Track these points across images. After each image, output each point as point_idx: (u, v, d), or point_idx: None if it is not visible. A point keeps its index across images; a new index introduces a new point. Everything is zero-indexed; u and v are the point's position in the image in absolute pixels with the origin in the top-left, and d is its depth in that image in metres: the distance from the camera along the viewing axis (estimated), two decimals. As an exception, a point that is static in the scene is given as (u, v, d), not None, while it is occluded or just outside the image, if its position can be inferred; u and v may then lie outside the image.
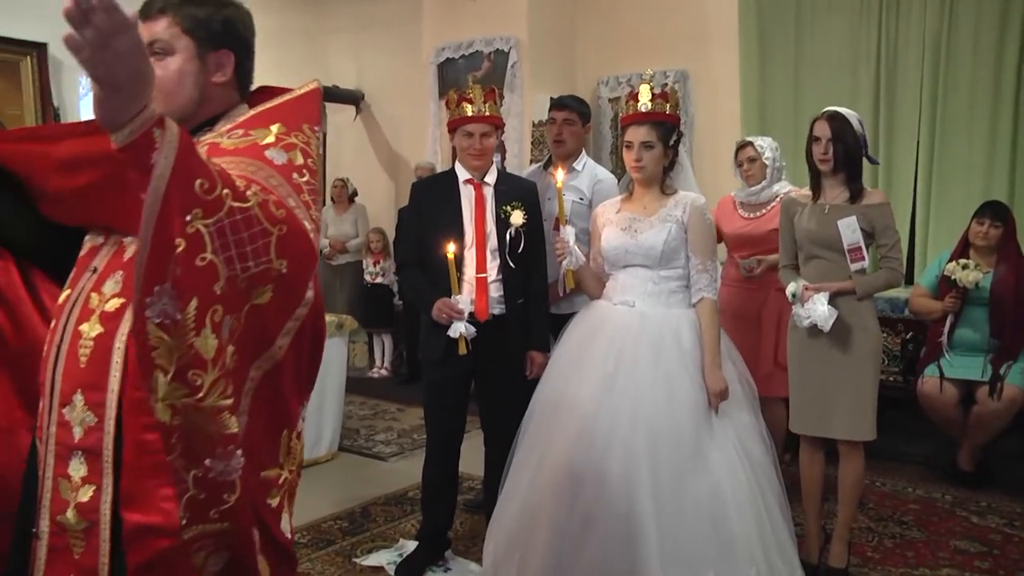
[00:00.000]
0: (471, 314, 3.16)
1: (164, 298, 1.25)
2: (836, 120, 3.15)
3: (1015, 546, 3.64)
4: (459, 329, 3.11)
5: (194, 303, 1.28)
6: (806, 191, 3.31)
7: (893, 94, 5.45)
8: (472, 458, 3.44)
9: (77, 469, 1.49)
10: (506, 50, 6.33)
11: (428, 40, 6.76)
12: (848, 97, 5.31)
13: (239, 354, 1.37)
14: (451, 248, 3.07)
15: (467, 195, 3.27)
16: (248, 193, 1.34)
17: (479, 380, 3.33)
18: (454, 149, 6.55)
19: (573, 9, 6.73)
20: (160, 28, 1.56)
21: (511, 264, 3.22)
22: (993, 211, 4.34)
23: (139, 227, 1.27)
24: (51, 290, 1.75)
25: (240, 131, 1.57)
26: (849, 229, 3.09)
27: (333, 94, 7.62)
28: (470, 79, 6.38)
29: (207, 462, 1.35)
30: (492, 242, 3.23)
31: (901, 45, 5.41)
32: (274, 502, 1.54)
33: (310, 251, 1.47)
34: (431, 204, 3.34)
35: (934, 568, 3.42)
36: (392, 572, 3.30)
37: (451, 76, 6.64)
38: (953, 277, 4.19)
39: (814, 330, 3.14)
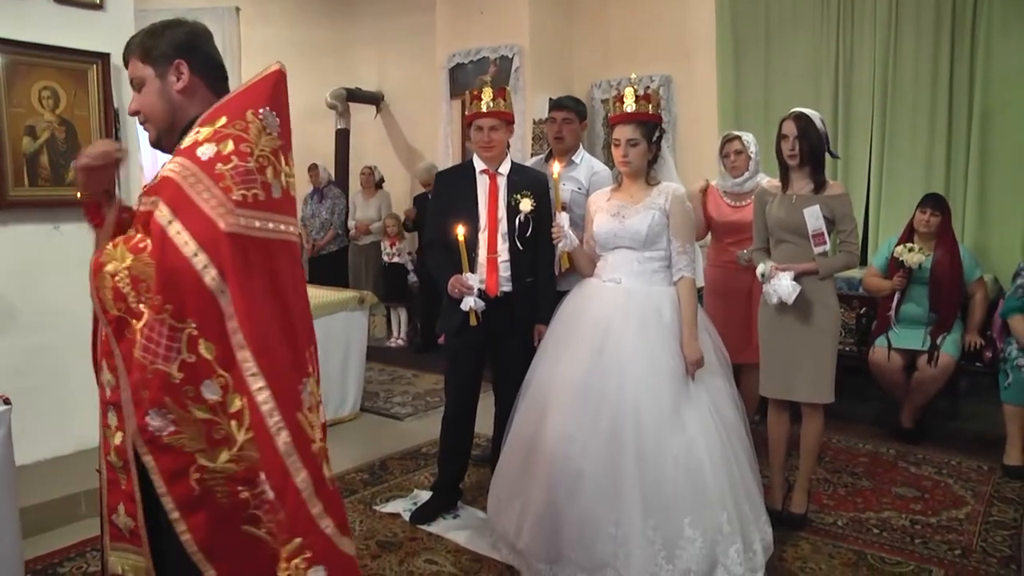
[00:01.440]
0: (482, 290, 3.13)
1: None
2: (802, 120, 3.09)
3: (941, 489, 3.65)
4: (469, 303, 3.06)
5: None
6: (778, 182, 3.26)
7: (849, 99, 5.37)
8: (481, 418, 3.40)
9: (112, 420, 1.55)
10: (510, 56, 6.24)
11: (441, 48, 6.67)
12: (811, 100, 5.23)
13: None
14: (461, 231, 3.01)
15: (483, 184, 3.20)
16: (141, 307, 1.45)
17: (491, 349, 3.27)
18: (463, 144, 6.58)
19: (570, 21, 6.63)
20: (133, 69, 1.66)
21: (519, 246, 3.16)
22: (934, 202, 4.28)
23: None
24: None
25: (200, 128, 1.54)
26: (813, 217, 3.04)
27: (356, 95, 7.56)
28: (479, 82, 6.38)
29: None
30: (503, 226, 3.16)
31: (855, 57, 5.33)
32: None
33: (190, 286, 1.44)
34: (451, 191, 3.27)
35: (878, 511, 3.39)
36: (407, 518, 3.26)
37: (461, 80, 6.56)
38: (901, 259, 4.14)
39: (782, 305, 3.10)
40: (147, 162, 6.82)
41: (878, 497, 3.54)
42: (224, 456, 1.42)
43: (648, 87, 5.27)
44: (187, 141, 1.50)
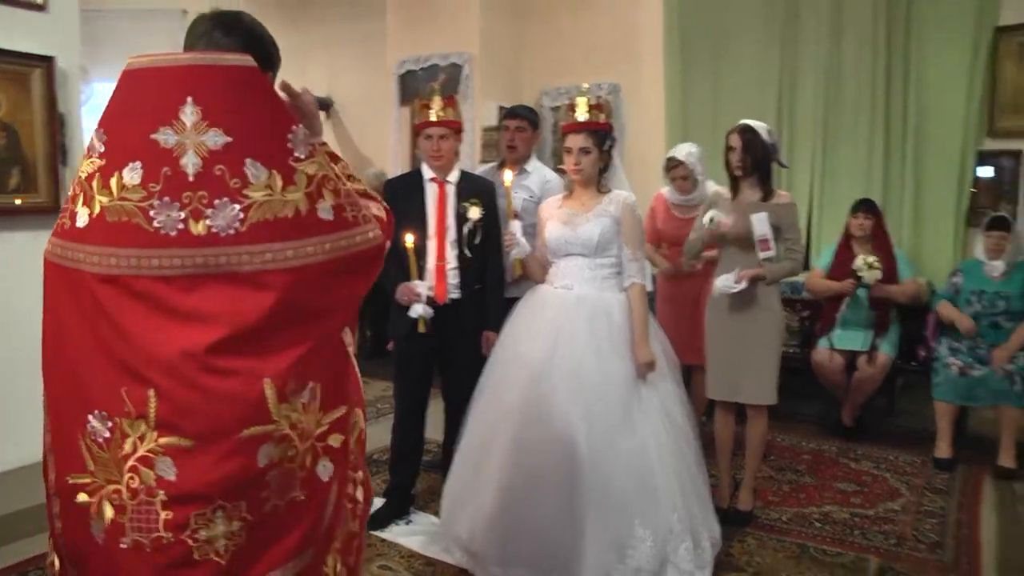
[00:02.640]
0: (431, 297, 3.16)
1: None
2: (747, 133, 3.20)
3: (879, 483, 3.81)
4: (418, 310, 3.10)
5: None
6: (728, 190, 3.36)
7: (793, 109, 5.53)
8: (431, 424, 3.43)
9: None
10: (460, 64, 6.26)
11: (392, 54, 6.66)
12: (757, 110, 5.36)
13: None
14: (409, 238, 3.05)
15: (431, 192, 3.24)
16: None
17: (440, 356, 3.31)
18: (413, 151, 6.59)
19: (519, 29, 6.68)
20: None
21: (468, 254, 3.21)
22: (865, 206, 4.46)
23: None
24: None
25: None
26: (760, 223, 3.14)
27: (306, 100, 7.51)
28: (428, 89, 6.40)
29: None
30: (452, 234, 3.20)
31: (799, 70, 5.49)
32: None
33: None
34: (400, 199, 3.29)
35: (820, 505, 3.53)
36: (362, 524, 3.29)
37: (411, 86, 6.55)
38: (860, 274, 4.25)
39: (728, 309, 3.20)
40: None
41: (820, 492, 3.68)
42: None
43: (599, 96, 5.33)
44: None
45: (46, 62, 3.46)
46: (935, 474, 3.91)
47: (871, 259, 4.25)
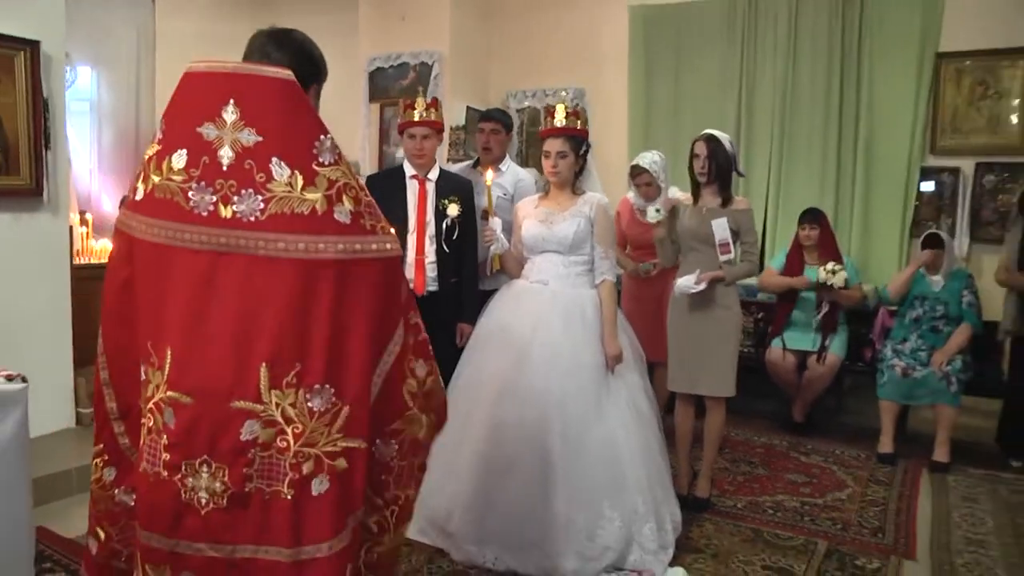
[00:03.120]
0: (410, 289, 3.30)
1: None
2: (712, 142, 3.42)
3: (827, 475, 4.09)
4: None
5: None
6: (689, 196, 3.58)
7: (751, 119, 5.82)
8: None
9: None
10: (430, 63, 6.41)
11: (363, 51, 6.76)
12: (717, 120, 5.63)
13: None
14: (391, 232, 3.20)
15: (412, 189, 3.40)
16: None
17: None
18: (381, 147, 6.71)
19: (488, 30, 6.86)
20: None
21: (446, 248, 3.37)
22: (810, 217, 4.75)
23: None
24: None
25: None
26: (720, 228, 3.37)
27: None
28: (399, 87, 6.53)
29: None
30: (431, 229, 3.37)
31: (757, 82, 5.79)
32: None
33: None
34: (382, 194, 3.43)
35: (772, 495, 3.79)
36: (339, 507, 3.41)
37: (381, 83, 6.68)
38: (829, 282, 4.49)
39: (689, 307, 3.42)
40: (90, 154, 6.64)
41: (772, 483, 3.93)
42: None
43: (576, 104, 5.55)
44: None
45: (31, 46, 3.50)
46: (878, 467, 4.20)
47: (831, 265, 4.52)
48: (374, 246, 1.62)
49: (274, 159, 1.55)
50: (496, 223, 3.20)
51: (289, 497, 1.54)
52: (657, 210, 3.41)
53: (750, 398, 4.91)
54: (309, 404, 1.55)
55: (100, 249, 4.85)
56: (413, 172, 3.42)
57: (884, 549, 3.22)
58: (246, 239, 1.55)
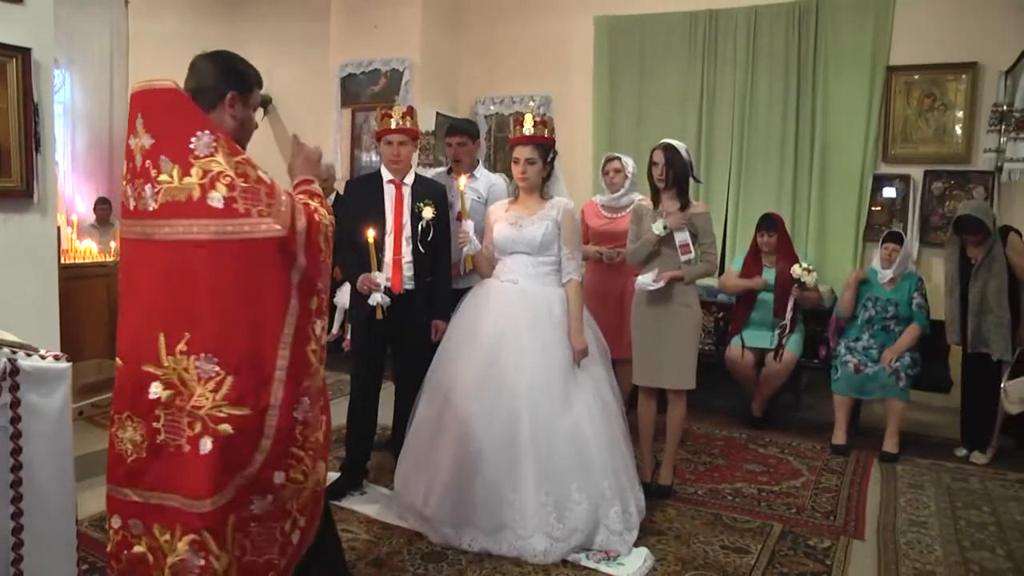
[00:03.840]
0: (388, 287, 3.53)
1: None
2: (669, 150, 3.69)
3: (783, 465, 4.39)
4: (376, 299, 3.44)
5: None
6: (650, 201, 3.85)
7: (712, 128, 6.15)
8: (380, 410, 3.80)
9: None
10: (401, 69, 6.64)
11: (334, 57, 6.98)
12: (679, 128, 5.97)
13: None
14: (371, 233, 3.37)
15: (389, 193, 3.61)
16: None
17: (393, 341, 3.67)
18: (353, 151, 6.91)
19: (457, 38, 7.11)
20: None
21: (421, 249, 3.59)
22: (767, 224, 5.05)
23: None
24: None
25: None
26: (680, 234, 3.65)
27: (243, 97, 7.69)
28: (369, 93, 6.73)
29: None
30: (407, 231, 3.58)
31: (717, 93, 6.13)
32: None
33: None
34: (361, 198, 3.66)
35: (731, 483, 4.07)
36: (319, 496, 3.62)
37: (352, 89, 6.90)
38: (802, 280, 4.75)
39: (651, 304, 3.68)
40: (63, 155, 6.71)
41: (732, 472, 4.22)
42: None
43: (543, 113, 5.80)
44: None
45: (22, 53, 3.63)
46: (832, 458, 4.52)
47: (805, 264, 4.81)
48: (246, 227, 1.89)
49: (162, 156, 1.88)
50: (469, 225, 3.43)
51: (187, 450, 1.85)
52: (665, 227, 3.65)
53: (711, 394, 5.22)
54: (198, 371, 1.85)
55: (84, 249, 5.01)
56: (390, 177, 3.64)
57: (835, 530, 3.51)
58: (149, 226, 1.91)
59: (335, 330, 6.85)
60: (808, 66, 5.82)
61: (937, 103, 5.57)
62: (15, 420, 1.48)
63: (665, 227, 3.64)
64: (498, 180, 4.23)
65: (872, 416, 5.03)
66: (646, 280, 3.65)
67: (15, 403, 1.48)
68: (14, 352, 1.50)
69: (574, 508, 3.10)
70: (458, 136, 4.14)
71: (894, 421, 4.56)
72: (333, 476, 3.75)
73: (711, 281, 5.33)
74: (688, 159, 3.72)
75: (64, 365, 1.57)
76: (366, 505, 3.54)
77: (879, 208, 5.77)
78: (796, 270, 4.78)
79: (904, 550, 3.31)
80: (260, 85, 2.18)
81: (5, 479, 1.49)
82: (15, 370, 1.48)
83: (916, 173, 5.64)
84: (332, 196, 6.56)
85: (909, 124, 5.64)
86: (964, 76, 5.45)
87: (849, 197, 5.77)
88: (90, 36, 6.95)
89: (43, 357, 1.54)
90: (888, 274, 4.76)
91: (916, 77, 5.60)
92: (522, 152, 3.37)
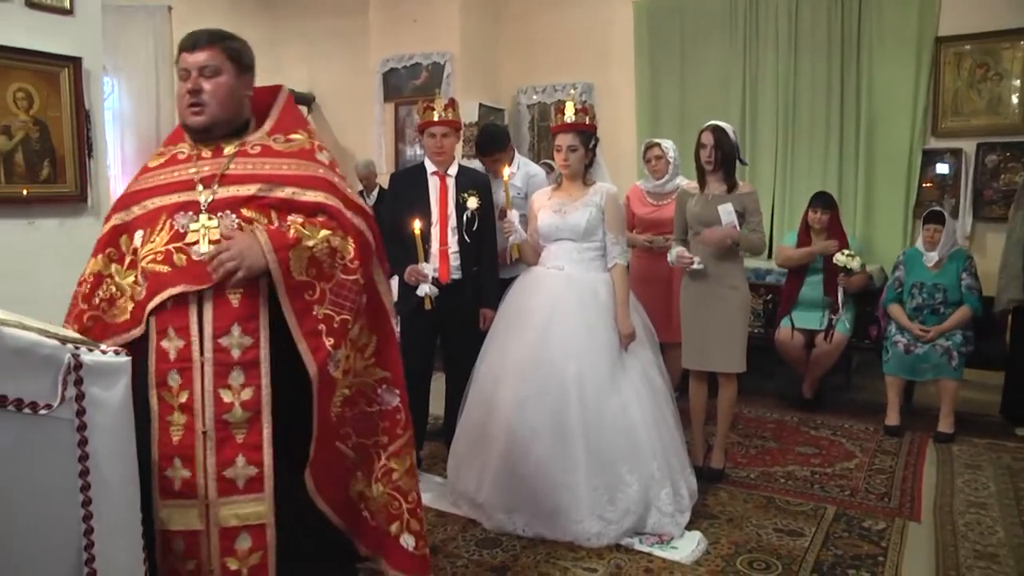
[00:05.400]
0: (436, 278, 3.55)
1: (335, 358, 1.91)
2: (718, 131, 3.64)
3: (836, 447, 4.31)
4: (424, 289, 3.46)
5: (343, 348, 1.92)
6: (696, 184, 3.81)
7: (756, 109, 6.06)
8: (431, 399, 3.83)
9: (237, 378, 1.84)
10: (442, 63, 6.66)
11: (375, 52, 7.02)
12: (722, 112, 5.87)
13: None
14: (417, 225, 3.37)
15: (434, 184, 3.63)
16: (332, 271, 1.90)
17: (442, 331, 3.69)
18: (396, 145, 6.96)
19: (497, 29, 7.10)
20: (207, 56, 1.97)
21: (467, 239, 3.61)
22: (822, 201, 4.92)
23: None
24: None
25: (280, 136, 1.98)
26: (726, 212, 3.59)
27: (286, 95, 7.80)
28: (411, 87, 6.76)
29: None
30: (452, 221, 3.60)
31: (760, 73, 6.02)
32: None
33: (370, 251, 2.00)
34: (406, 191, 3.68)
35: (784, 465, 4.01)
36: (373, 485, 3.66)
37: (394, 84, 6.94)
38: (848, 267, 4.63)
39: (700, 287, 3.65)
40: (113, 160, 6.91)
41: (783, 455, 4.16)
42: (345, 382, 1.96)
43: (584, 100, 5.79)
44: (294, 145, 1.97)
45: (74, 62, 3.75)
46: (885, 439, 4.43)
47: (847, 252, 4.70)
48: None
49: None
50: (514, 215, 3.43)
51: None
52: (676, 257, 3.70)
53: (761, 377, 5.16)
54: None
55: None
56: (434, 169, 3.66)
57: (890, 512, 3.44)
58: None
59: None
60: (852, 42, 5.67)
61: (991, 73, 5.38)
62: (80, 413, 1.51)
63: (672, 260, 3.72)
64: (537, 171, 4.22)
65: (925, 396, 4.92)
66: (683, 257, 3.62)
67: (80, 396, 1.51)
68: (77, 347, 1.54)
69: (625, 490, 3.09)
70: (491, 155, 4.12)
71: (947, 401, 4.45)
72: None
73: (759, 263, 5.26)
74: (735, 141, 3.68)
75: (124, 359, 1.60)
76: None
77: (930, 184, 5.63)
78: (839, 258, 4.68)
79: (963, 531, 3.22)
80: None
81: (73, 469, 1.52)
82: (78, 364, 1.51)
83: (968, 147, 5.47)
84: (375, 191, 6.64)
85: (960, 96, 5.47)
86: (1021, 43, 5.26)
87: (897, 174, 5.63)
88: (135, 43, 7.08)
89: (104, 352, 1.58)
90: (934, 256, 4.62)
91: (967, 47, 5.42)
92: (564, 140, 3.35)
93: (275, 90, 2.12)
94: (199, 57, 1.94)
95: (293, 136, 1.97)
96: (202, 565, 1.84)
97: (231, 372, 1.83)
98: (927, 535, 3.23)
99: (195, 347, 1.84)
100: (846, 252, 4.69)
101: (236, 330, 1.83)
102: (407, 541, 2.06)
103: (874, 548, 3.09)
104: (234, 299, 1.84)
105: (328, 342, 1.84)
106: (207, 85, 1.93)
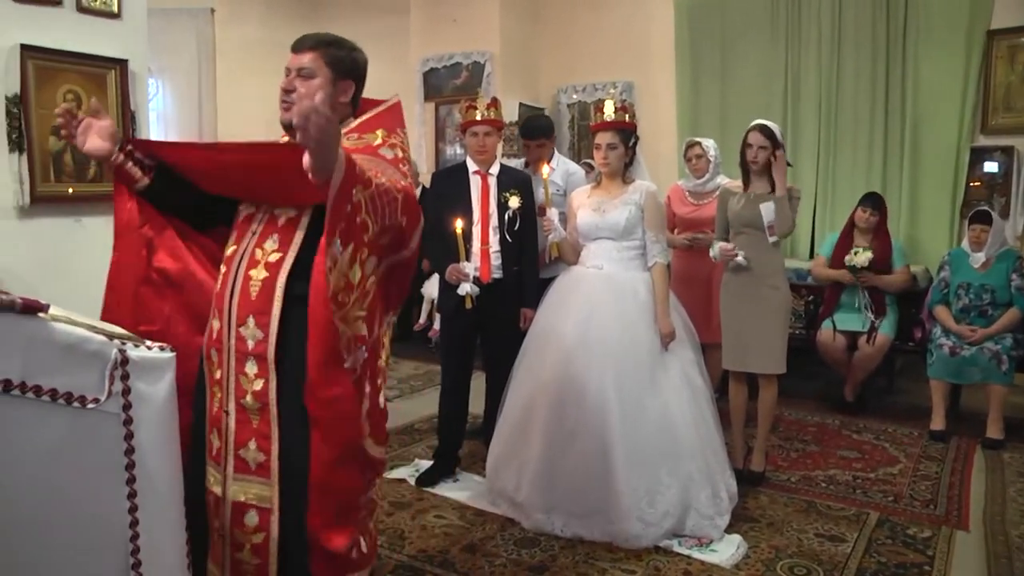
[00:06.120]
0: (476, 277, 3.53)
1: (334, 246, 1.65)
2: (765, 130, 3.58)
3: (879, 452, 4.20)
4: (466, 288, 3.43)
5: (351, 247, 1.72)
6: (738, 183, 3.75)
7: (797, 108, 5.95)
8: (470, 396, 3.80)
9: (251, 368, 1.89)
10: (482, 62, 6.66)
11: (415, 52, 7.04)
12: (763, 110, 5.77)
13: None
14: (459, 224, 3.37)
15: (475, 183, 3.61)
16: (382, 179, 1.75)
17: (482, 330, 3.66)
18: (437, 144, 6.97)
19: (537, 29, 7.08)
20: (308, 59, 1.99)
21: (508, 238, 3.57)
22: (873, 202, 4.82)
23: (291, 202, 1.85)
24: (202, 246, 2.16)
25: (355, 135, 1.98)
26: (768, 211, 3.52)
27: (328, 95, 7.86)
28: (451, 87, 6.77)
29: (344, 355, 1.79)
30: (494, 221, 3.57)
31: (802, 70, 5.91)
32: (379, 380, 2.03)
33: (419, 211, 1.95)
34: (447, 190, 3.67)
35: (825, 469, 3.93)
36: (413, 482, 3.63)
37: (434, 83, 6.95)
38: (852, 263, 4.63)
39: (739, 287, 3.59)
40: None
41: (825, 459, 4.08)
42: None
43: (624, 99, 5.75)
44: (362, 142, 1.98)
45: (120, 64, 3.82)
46: (930, 444, 4.31)
47: (855, 248, 4.65)
48: None
49: None
50: (553, 213, 3.40)
51: None
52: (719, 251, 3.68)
53: (802, 379, 5.07)
54: None
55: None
56: (476, 168, 3.64)
57: (936, 520, 3.34)
58: None
59: (422, 320, 6.95)
60: (897, 37, 5.54)
61: (1047, 68, 5.23)
62: (126, 407, 1.53)
63: (715, 256, 3.67)
64: (576, 169, 4.19)
65: (973, 400, 4.78)
66: (727, 250, 3.57)
67: (126, 391, 1.53)
68: (123, 343, 1.55)
69: (664, 492, 3.04)
70: (536, 139, 4.10)
71: (996, 406, 4.32)
72: (426, 464, 3.81)
73: (800, 264, 5.17)
74: (781, 141, 3.61)
75: (169, 355, 1.61)
76: (459, 492, 3.55)
77: (978, 183, 5.47)
78: (847, 257, 4.63)
79: (1018, 543, 3.10)
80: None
81: (120, 462, 1.54)
82: (125, 360, 1.53)
83: (1020, 144, 5.31)
84: (418, 190, 6.65)
85: (1012, 91, 5.30)
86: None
87: (944, 173, 5.49)
88: (179, 45, 7.20)
89: (149, 348, 1.59)
90: (980, 257, 4.49)
91: (1022, 40, 5.25)
92: (603, 138, 3.31)
93: (388, 101, 2.20)
94: (299, 59, 2.01)
95: (366, 135, 2.01)
96: (223, 527, 1.95)
97: (247, 361, 1.90)
98: (976, 545, 3.13)
99: (225, 331, 1.93)
100: (854, 250, 4.61)
101: (251, 321, 1.89)
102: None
103: (920, 557, 3.01)
104: (254, 290, 1.89)
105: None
106: (300, 86, 1.98)
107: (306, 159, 1.58)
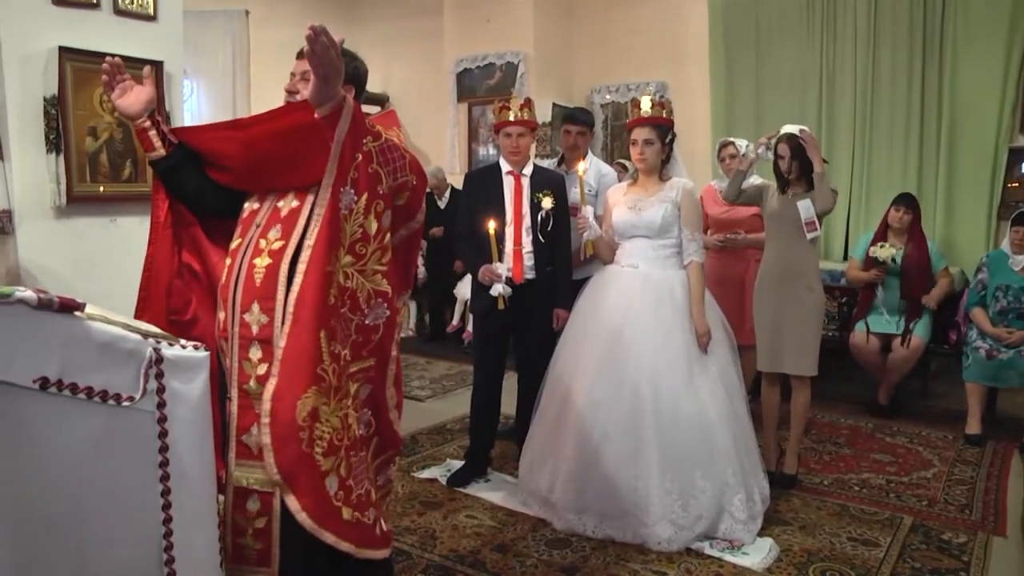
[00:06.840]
0: (510, 278, 3.47)
1: (348, 195, 1.75)
2: (793, 141, 3.50)
3: (913, 455, 4.09)
4: (498, 289, 3.38)
5: (365, 196, 1.80)
6: (774, 184, 3.67)
7: (832, 107, 5.81)
8: (502, 397, 3.75)
9: (255, 353, 1.88)
10: (515, 63, 6.61)
11: (448, 53, 7.01)
12: (798, 109, 5.67)
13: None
14: (492, 225, 3.32)
15: (509, 184, 3.55)
16: (391, 134, 1.88)
17: (515, 331, 3.60)
18: (470, 145, 6.94)
19: (571, 29, 7.01)
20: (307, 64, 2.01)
21: (541, 239, 3.50)
22: (907, 201, 4.70)
23: (301, 180, 1.88)
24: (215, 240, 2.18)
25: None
26: (805, 208, 3.44)
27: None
28: (485, 87, 6.74)
29: (364, 309, 1.86)
30: (527, 221, 3.50)
31: (838, 69, 5.77)
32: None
33: (424, 174, 2.03)
34: (481, 190, 3.61)
35: (858, 473, 3.82)
36: (444, 482, 3.60)
37: (468, 84, 6.92)
38: (876, 256, 4.55)
39: (773, 287, 3.53)
40: None
41: (858, 462, 3.97)
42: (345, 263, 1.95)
43: (661, 95, 5.68)
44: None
45: (156, 66, 3.80)
46: (965, 448, 4.18)
47: (881, 243, 4.56)
48: None
49: None
50: (588, 211, 3.32)
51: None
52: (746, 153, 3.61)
53: (835, 382, 4.96)
54: None
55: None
56: (509, 168, 3.58)
57: (972, 525, 3.23)
58: None
59: (455, 321, 6.94)
60: (935, 35, 5.38)
61: (1090, 67, 5.05)
62: (161, 405, 1.51)
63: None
64: (609, 170, 4.11)
65: (1010, 404, 4.64)
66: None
67: (160, 389, 1.51)
68: (158, 342, 1.54)
69: (698, 496, 2.97)
70: (578, 125, 4.03)
71: (1035, 410, 4.20)
72: (457, 464, 3.77)
73: (835, 265, 5.06)
74: (804, 139, 3.53)
75: (203, 354, 1.59)
76: (490, 492, 3.51)
77: (1016, 184, 5.31)
78: (872, 249, 4.57)
79: (1056, 550, 3.02)
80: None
81: (154, 460, 1.52)
82: (160, 358, 1.51)
83: (1061, 145, 5.16)
84: (447, 192, 6.62)
85: (1053, 92, 5.15)
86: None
87: (981, 173, 5.33)
88: (214, 46, 7.23)
89: (184, 347, 1.58)
90: (1021, 260, 4.37)
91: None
92: (640, 133, 3.24)
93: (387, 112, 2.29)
94: (303, 64, 2.05)
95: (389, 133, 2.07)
96: (225, 513, 1.93)
97: (251, 346, 1.89)
98: (1015, 551, 3.02)
99: (230, 319, 1.94)
100: (880, 244, 4.53)
101: (255, 307, 1.89)
102: (331, 483, 1.85)
103: (955, 562, 2.91)
104: (258, 277, 1.90)
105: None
106: (303, 89, 2.02)
107: (311, 89, 1.69)
